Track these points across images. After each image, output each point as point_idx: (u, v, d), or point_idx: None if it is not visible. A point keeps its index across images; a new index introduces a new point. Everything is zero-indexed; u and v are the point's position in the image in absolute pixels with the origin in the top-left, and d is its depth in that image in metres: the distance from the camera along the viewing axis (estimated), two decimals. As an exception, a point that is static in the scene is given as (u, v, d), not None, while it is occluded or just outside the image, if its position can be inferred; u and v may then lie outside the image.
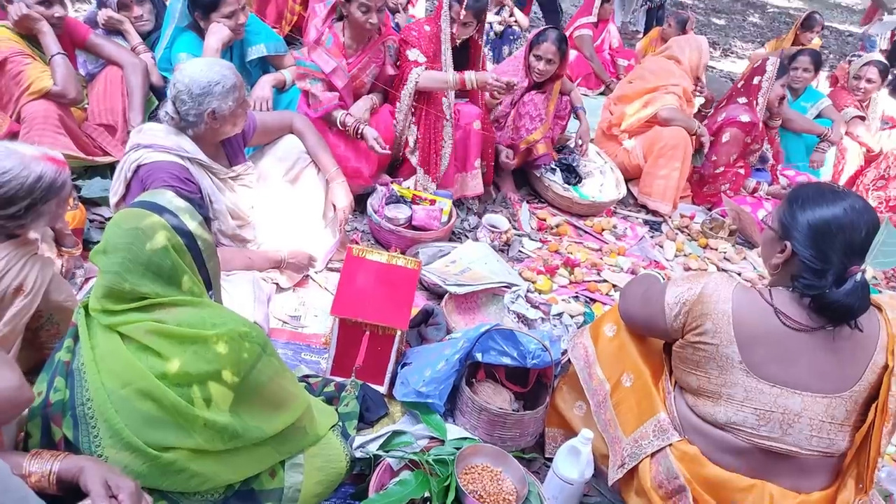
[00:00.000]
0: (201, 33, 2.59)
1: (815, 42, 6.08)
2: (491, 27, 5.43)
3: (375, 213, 2.74)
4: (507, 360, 1.70)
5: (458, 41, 2.92)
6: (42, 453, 1.11)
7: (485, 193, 3.24)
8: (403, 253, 2.75)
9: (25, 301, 1.41)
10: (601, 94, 5.50)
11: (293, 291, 2.32)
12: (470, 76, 2.79)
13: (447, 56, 2.85)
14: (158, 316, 1.21)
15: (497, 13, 5.47)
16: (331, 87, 2.71)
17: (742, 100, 3.64)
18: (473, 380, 1.77)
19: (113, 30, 2.68)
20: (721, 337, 1.32)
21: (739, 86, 3.71)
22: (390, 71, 2.93)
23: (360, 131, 2.67)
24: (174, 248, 1.24)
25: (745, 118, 3.56)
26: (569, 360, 1.78)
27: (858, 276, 1.27)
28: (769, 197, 3.65)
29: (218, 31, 2.47)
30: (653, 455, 1.45)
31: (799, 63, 3.93)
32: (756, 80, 3.57)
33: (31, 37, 2.33)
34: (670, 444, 1.43)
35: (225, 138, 2.11)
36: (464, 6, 2.75)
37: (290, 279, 2.30)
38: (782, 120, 3.89)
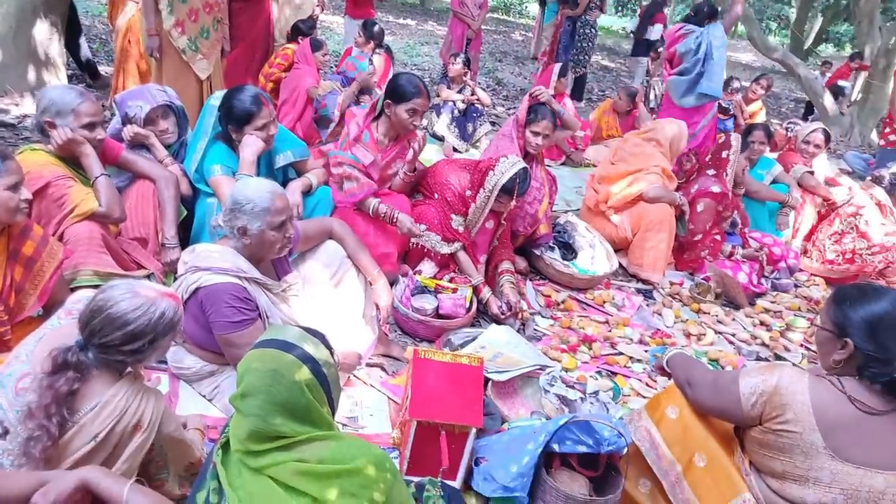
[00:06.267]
0: (231, 144, 2.70)
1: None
2: (454, 104, 5.76)
3: (402, 304, 2.85)
4: (583, 448, 1.81)
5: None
6: None
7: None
8: (431, 342, 2.88)
9: (143, 437, 1.44)
10: (563, 164, 5.90)
11: (343, 391, 2.37)
12: (485, 294, 3.02)
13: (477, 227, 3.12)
14: (299, 455, 1.27)
15: (460, 91, 5.82)
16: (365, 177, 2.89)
17: (710, 172, 4.01)
18: (551, 468, 1.87)
19: (138, 144, 2.74)
20: (803, 425, 1.49)
21: (707, 159, 4.08)
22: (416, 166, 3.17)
23: (394, 218, 2.84)
24: (308, 387, 1.31)
25: (715, 189, 3.91)
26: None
27: None
28: (745, 259, 3.97)
29: (252, 143, 2.59)
30: None
31: (755, 137, 4.37)
32: (724, 154, 3.94)
33: (69, 159, 2.37)
34: None
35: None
36: (514, 198, 3.00)
37: (341, 379, 2.35)
38: (748, 191, 4.30)
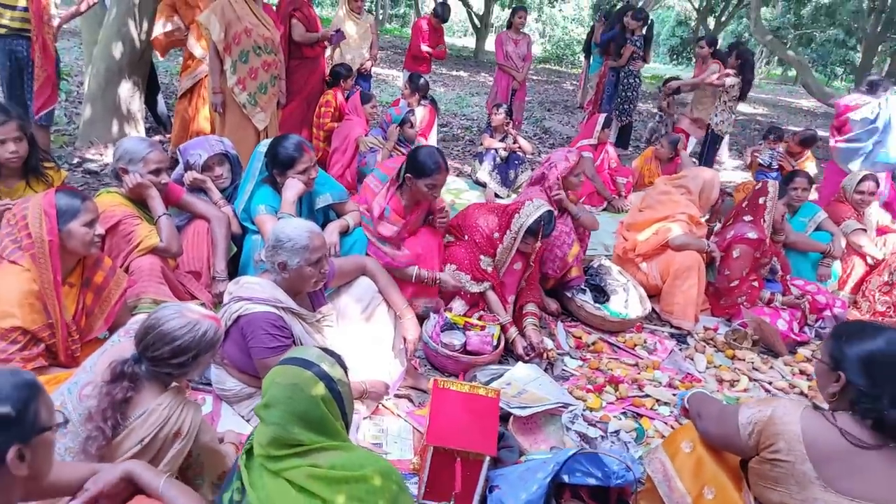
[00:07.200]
0: (276, 187, 2.96)
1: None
2: (496, 152, 5.97)
3: (431, 339, 2.99)
4: (592, 481, 1.87)
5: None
6: None
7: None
8: (457, 377, 2.99)
9: (183, 443, 1.62)
10: (604, 209, 5.97)
11: (370, 419, 2.51)
12: (512, 333, 3.13)
13: (505, 268, 3.29)
14: (313, 461, 1.42)
15: (502, 140, 6.04)
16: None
17: (748, 217, 4.00)
18: (562, 500, 1.93)
19: (197, 188, 3.05)
20: (795, 455, 1.53)
21: (744, 205, 4.08)
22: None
23: (437, 280, 3.08)
24: (324, 401, 1.46)
25: (752, 235, 3.90)
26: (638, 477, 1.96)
27: None
28: (785, 307, 3.91)
29: (294, 186, 2.84)
30: None
31: (797, 184, 4.35)
32: (761, 201, 3.95)
33: (137, 200, 2.68)
34: None
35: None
36: (539, 240, 3.16)
37: (369, 407, 2.50)
38: (788, 242, 4.25)
